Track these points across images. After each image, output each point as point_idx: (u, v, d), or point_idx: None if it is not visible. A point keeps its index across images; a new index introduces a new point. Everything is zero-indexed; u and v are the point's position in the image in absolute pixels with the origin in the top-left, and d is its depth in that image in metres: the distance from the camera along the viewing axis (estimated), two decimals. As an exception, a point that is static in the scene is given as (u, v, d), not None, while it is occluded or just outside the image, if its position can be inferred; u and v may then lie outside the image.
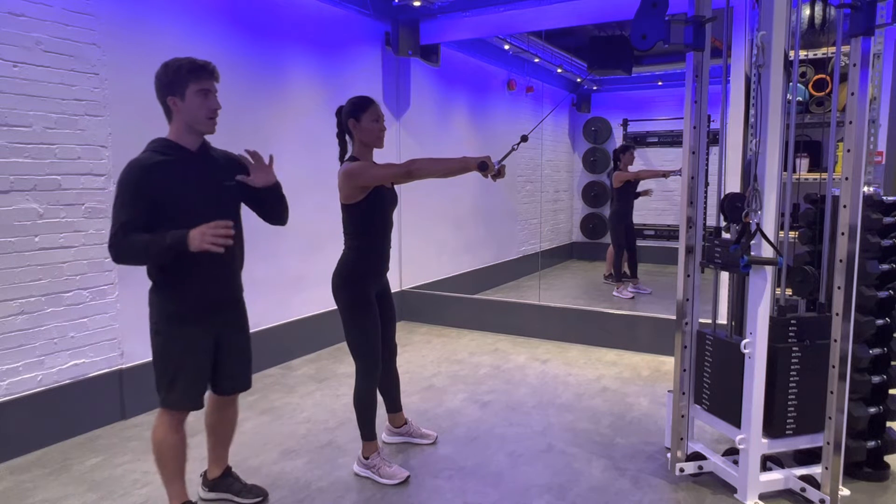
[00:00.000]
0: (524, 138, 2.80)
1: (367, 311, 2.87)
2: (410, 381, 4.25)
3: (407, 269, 5.99)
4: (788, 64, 2.61)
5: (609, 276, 7.20)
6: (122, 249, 2.23)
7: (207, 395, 2.57)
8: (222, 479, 2.75)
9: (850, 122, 2.41)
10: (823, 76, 3.85)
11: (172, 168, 2.31)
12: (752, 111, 3.31)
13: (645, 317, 5.02)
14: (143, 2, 3.61)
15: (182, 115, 2.32)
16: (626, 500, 2.74)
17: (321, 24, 4.92)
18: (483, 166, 2.63)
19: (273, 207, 2.58)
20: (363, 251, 2.89)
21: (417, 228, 5.99)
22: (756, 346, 2.59)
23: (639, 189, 7.10)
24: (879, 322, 2.83)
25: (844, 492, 2.64)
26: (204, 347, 2.44)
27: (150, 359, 2.44)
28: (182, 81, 2.29)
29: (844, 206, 2.45)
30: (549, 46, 6.93)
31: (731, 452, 2.84)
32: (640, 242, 7.32)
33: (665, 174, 6.92)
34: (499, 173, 2.67)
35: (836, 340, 2.51)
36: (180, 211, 2.28)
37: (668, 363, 4.49)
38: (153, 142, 2.36)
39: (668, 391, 3.02)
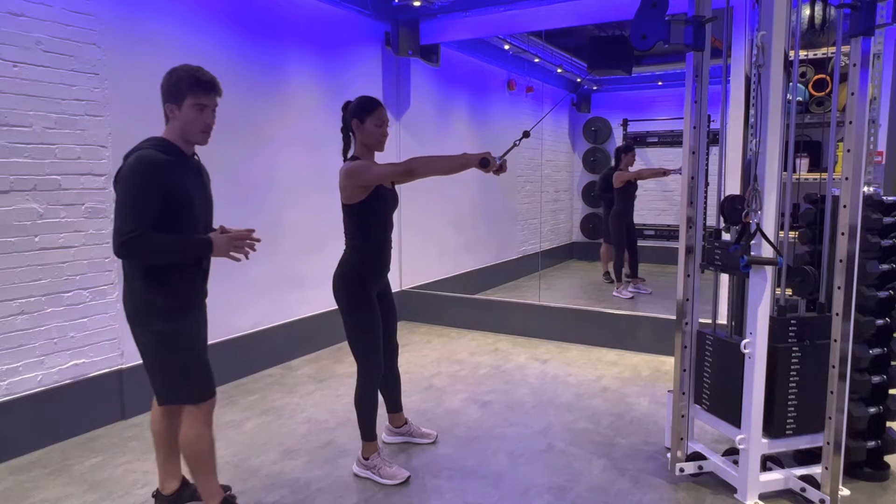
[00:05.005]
0: (526, 134, 2.79)
1: (368, 311, 2.87)
2: (410, 381, 4.24)
3: (407, 269, 5.98)
4: (788, 64, 2.61)
5: (607, 272, 7.19)
6: (146, 246, 2.16)
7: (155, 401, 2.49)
8: (183, 491, 2.63)
9: (850, 122, 2.41)
10: (823, 76, 3.85)
11: (178, 168, 2.30)
12: (752, 111, 3.31)
13: (645, 317, 5.02)
14: (143, 2, 3.61)
15: (177, 122, 2.32)
16: (626, 500, 2.74)
17: (321, 24, 4.92)
18: (484, 162, 2.63)
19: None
20: (364, 251, 2.89)
21: (417, 228, 5.99)
22: (756, 346, 2.59)
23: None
24: (879, 322, 2.83)
25: (844, 492, 2.64)
26: (203, 336, 2.47)
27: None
28: (181, 93, 2.27)
29: (844, 206, 2.45)
30: (549, 46, 6.93)
31: (731, 452, 2.84)
32: (640, 242, 7.31)
33: (665, 172, 6.92)
34: (500, 168, 2.67)
35: (836, 340, 2.51)
36: (186, 212, 2.29)
37: (668, 363, 4.49)
38: (153, 140, 2.31)
39: (668, 391, 3.02)
